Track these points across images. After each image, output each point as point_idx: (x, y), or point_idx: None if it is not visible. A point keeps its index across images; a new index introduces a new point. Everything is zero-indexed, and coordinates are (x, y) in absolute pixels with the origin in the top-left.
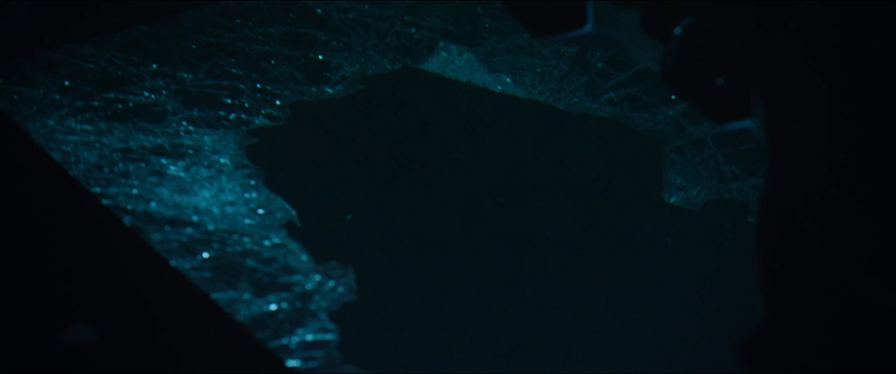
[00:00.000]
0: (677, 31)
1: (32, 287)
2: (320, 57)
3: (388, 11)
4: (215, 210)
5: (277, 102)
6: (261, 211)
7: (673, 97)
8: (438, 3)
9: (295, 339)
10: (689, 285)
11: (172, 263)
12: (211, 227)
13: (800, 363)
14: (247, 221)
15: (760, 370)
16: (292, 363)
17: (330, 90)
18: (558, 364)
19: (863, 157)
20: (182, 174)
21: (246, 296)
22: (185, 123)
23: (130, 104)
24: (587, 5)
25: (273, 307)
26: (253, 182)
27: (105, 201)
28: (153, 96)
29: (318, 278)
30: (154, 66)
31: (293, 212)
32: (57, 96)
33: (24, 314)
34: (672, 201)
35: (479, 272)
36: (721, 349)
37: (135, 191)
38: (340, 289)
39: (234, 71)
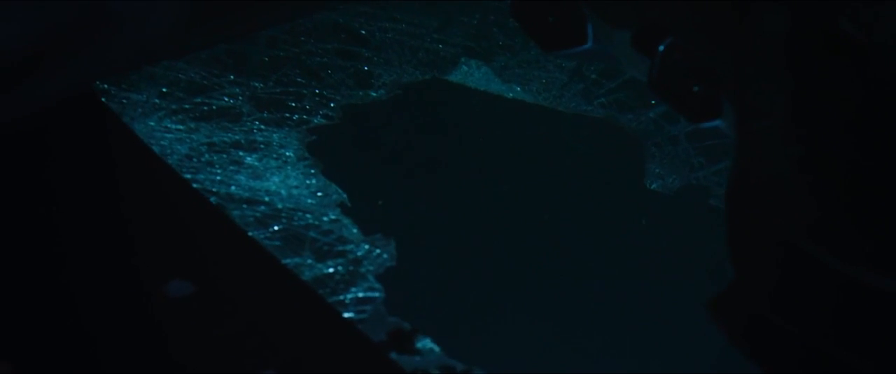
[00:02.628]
0: (661, 48)
1: (141, 253)
2: (365, 68)
3: (419, 31)
4: (283, 192)
5: (331, 105)
6: (319, 194)
7: (653, 102)
8: (461, 24)
9: (349, 296)
10: (659, 256)
11: (250, 234)
12: (280, 205)
13: (758, 313)
14: (309, 201)
15: (725, 321)
16: (347, 315)
17: (374, 94)
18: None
19: (811, 150)
20: (256, 164)
21: (309, 261)
22: (257, 123)
23: (214, 107)
24: (588, 26)
25: (331, 270)
26: (313, 171)
27: (195, 186)
28: (231, 101)
29: (366, 247)
30: (231, 76)
31: (345, 195)
32: (156, 100)
33: (136, 273)
34: (652, 187)
35: (492, 247)
36: (693, 306)
37: (218, 177)
38: (385, 256)
39: (298, 79)
